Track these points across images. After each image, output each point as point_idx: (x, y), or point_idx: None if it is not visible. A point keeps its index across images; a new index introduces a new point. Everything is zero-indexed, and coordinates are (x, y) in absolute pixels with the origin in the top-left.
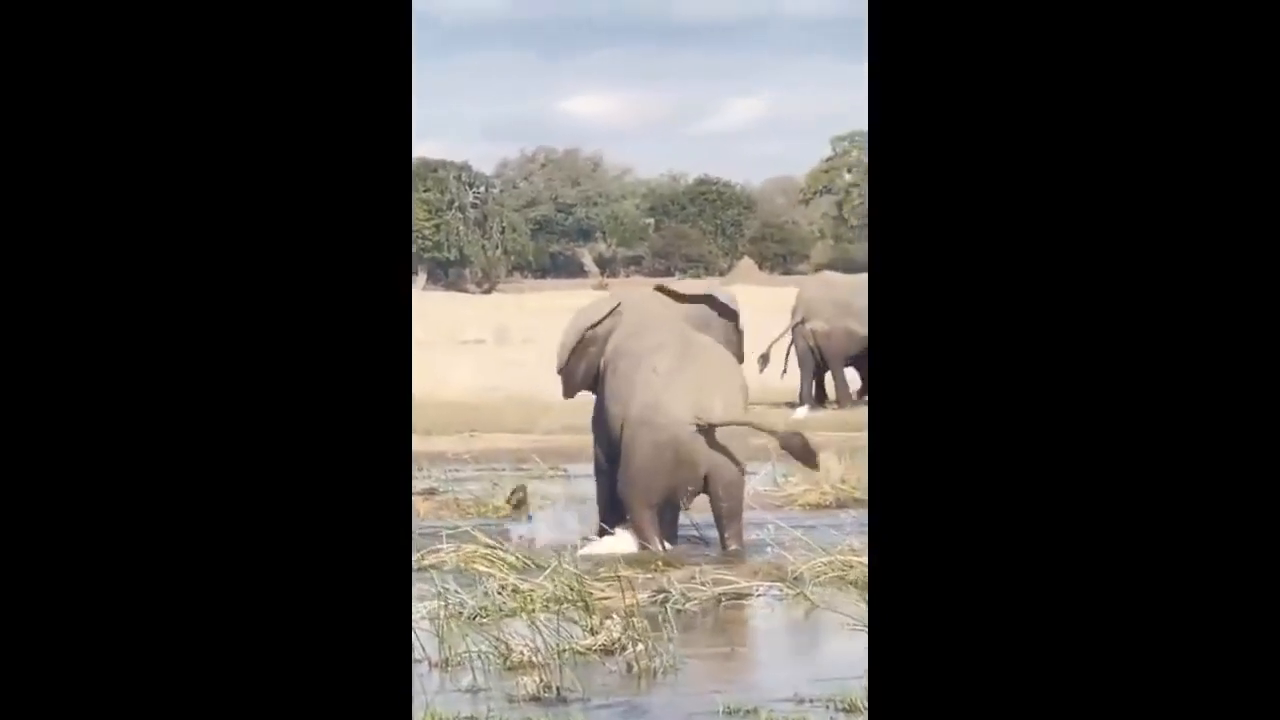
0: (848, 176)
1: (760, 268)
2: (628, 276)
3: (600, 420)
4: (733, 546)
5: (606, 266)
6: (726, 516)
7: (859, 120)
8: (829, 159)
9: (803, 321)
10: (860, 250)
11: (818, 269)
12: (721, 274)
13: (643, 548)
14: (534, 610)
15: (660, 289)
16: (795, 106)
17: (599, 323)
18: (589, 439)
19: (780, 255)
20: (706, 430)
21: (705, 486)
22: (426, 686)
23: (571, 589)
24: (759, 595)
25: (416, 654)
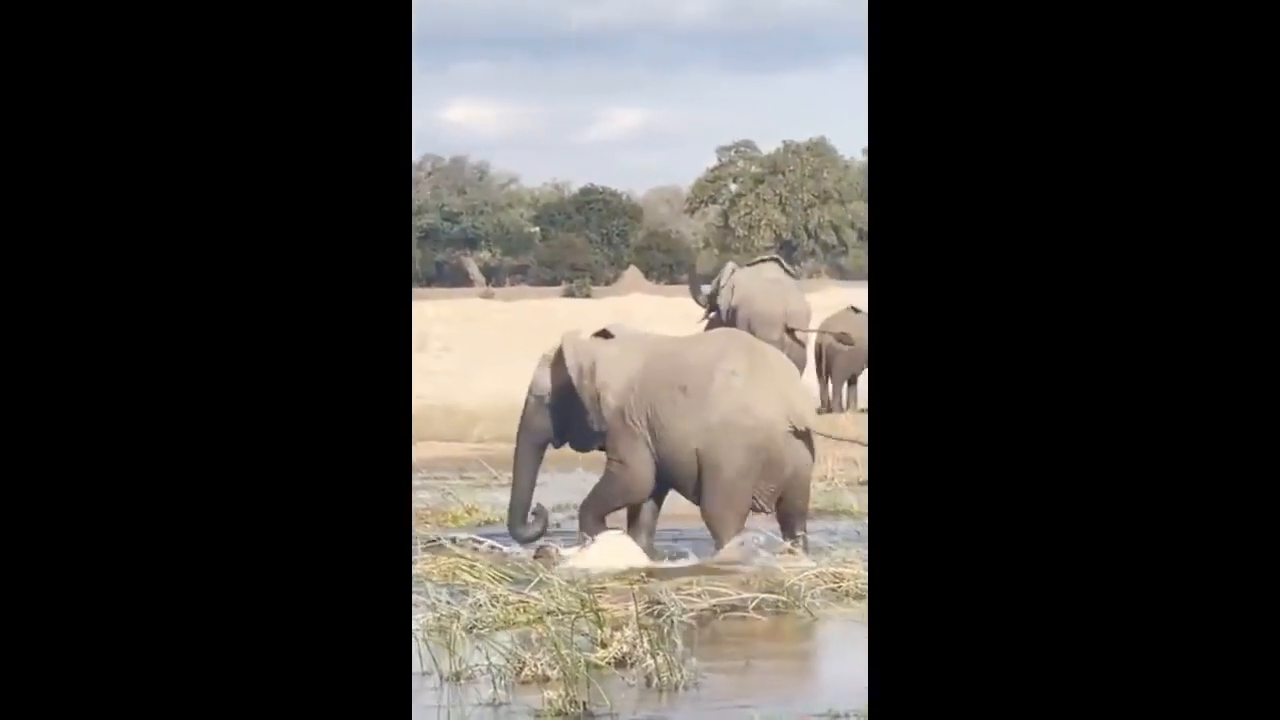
0: (733, 186)
1: (647, 277)
2: (514, 285)
3: (659, 443)
4: (798, 545)
5: (492, 275)
6: (799, 515)
7: (741, 130)
8: (714, 168)
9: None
10: (745, 260)
11: (704, 279)
12: (608, 283)
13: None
14: (546, 622)
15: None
16: (673, 118)
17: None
18: None
19: (666, 265)
20: (803, 433)
21: (782, 487)
22: (443, 700)
23: (582, 601)
24: (753, 606)
25: (426, 667)
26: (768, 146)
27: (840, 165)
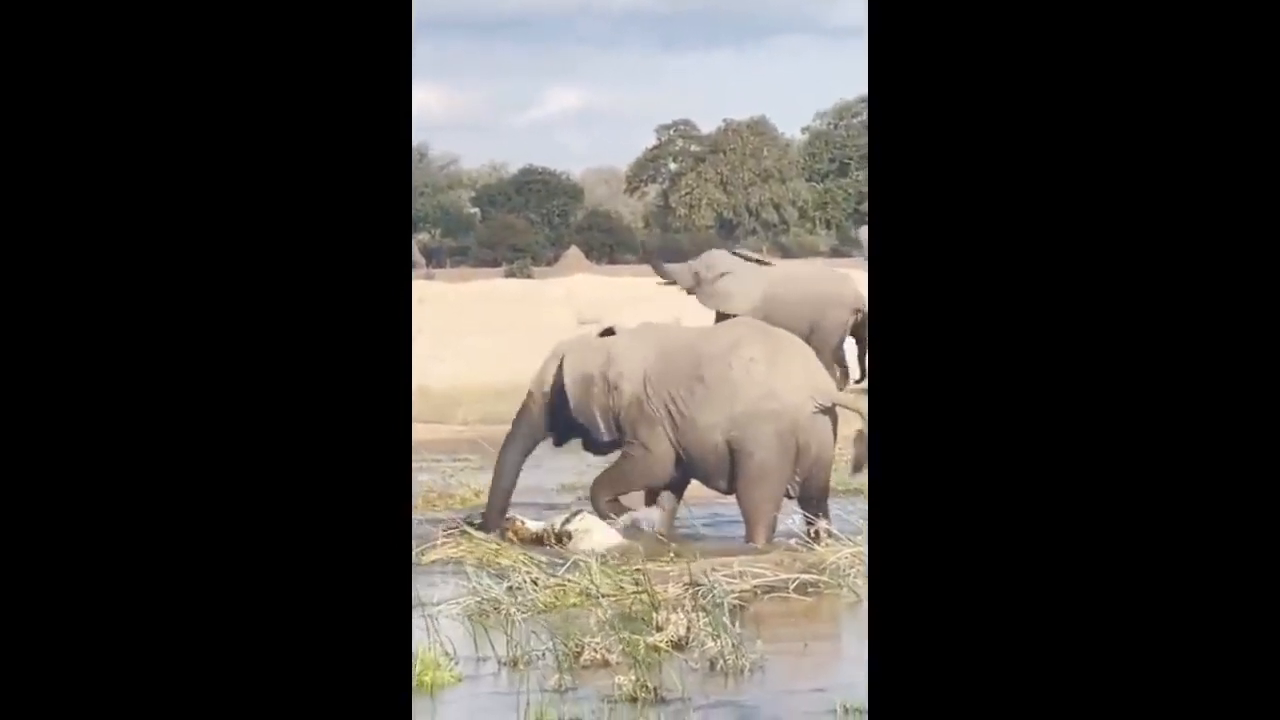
0: (673, 165)
1: (588, 257)
2: (454, 267)
3: (679, 433)
4: (824, 524)
5: (432, 257)
6: (819, 496)
7: (677, 110)
8: (654, 148)
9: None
10: (686, 239)
11: (645, 258)
12: (549, 264)
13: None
14: (603, 605)
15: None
16: (610, 99)
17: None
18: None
19: (607, 245)
20: (829, 410)
21: (808, 468)
22: (501, 685)
23: (636, 584)
24: (794, 587)
25: (483, 652)
26: (707, 126)
27: (780, 144)
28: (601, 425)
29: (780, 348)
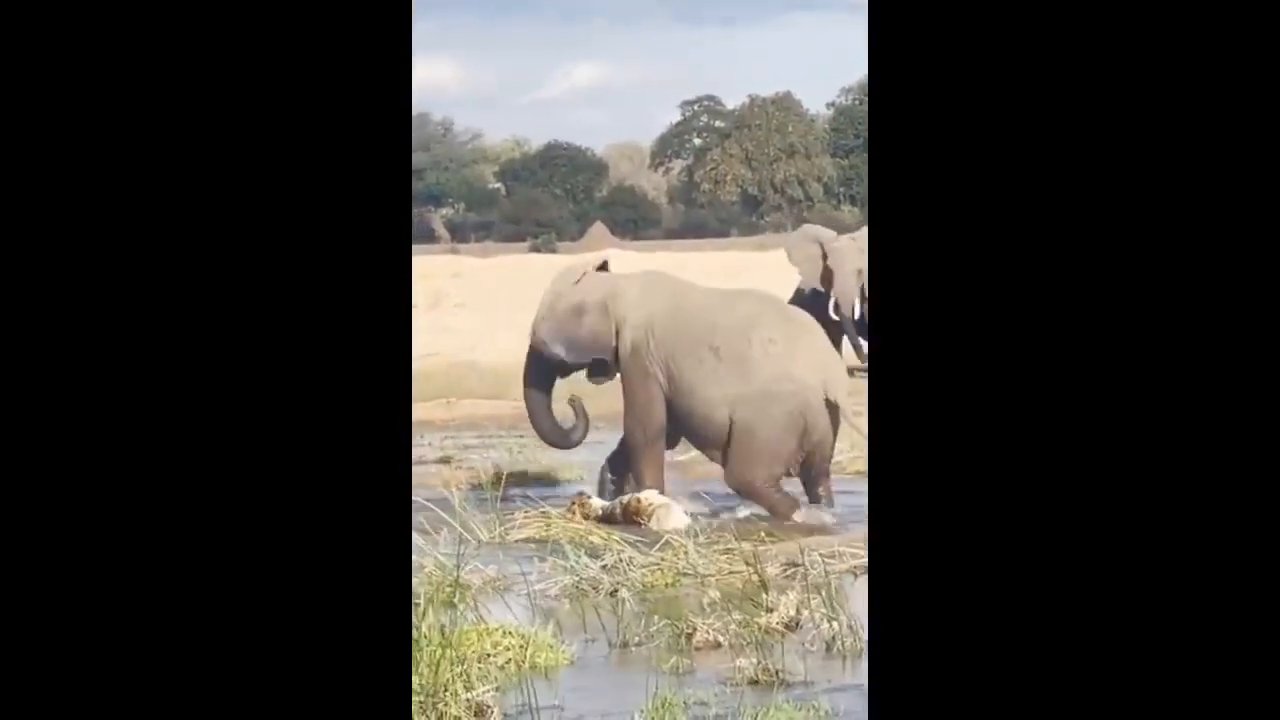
0: (697, 141)
1: (612, 233)
2: (479, 242)
3: (678, 395)
4: (824, 500)
5: (456, 231)
6: (823, 476)
7: (697, 86)
8: (678, 123)
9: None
10: (710, 215)
11: (669, 234)
12: (574, 239)
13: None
14: (714, 585)
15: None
16: (630, 74)
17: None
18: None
19: (632, 220)
20: (833, 405)
21: (811, 448)
22: (613, 666)
23: (746, 563)
24: None
25: (591, 633)
26: (732, 101)
27: (806, 119)
28: (596, 343)
29: (798, 330)
